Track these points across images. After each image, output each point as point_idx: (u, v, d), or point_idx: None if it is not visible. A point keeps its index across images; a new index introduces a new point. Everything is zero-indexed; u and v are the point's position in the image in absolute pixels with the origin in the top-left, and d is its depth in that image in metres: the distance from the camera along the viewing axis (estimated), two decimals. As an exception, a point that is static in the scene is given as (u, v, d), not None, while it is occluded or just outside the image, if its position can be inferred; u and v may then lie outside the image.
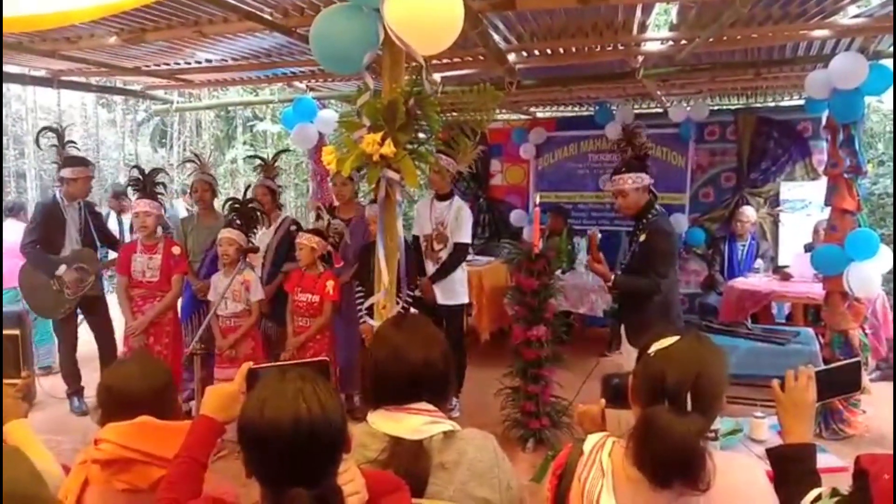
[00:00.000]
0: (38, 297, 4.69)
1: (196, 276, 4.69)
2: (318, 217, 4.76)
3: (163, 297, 4.34)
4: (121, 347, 4.72)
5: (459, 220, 4.65)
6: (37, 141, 5.15)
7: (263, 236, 4.82)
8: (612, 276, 3.74)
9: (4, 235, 5.18)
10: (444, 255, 4.65)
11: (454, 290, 4.68)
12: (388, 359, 1.55)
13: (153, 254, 4.34)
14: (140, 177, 4.42)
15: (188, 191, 5.23)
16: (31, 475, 1.08)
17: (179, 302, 4.65)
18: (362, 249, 4.49)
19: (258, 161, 5.46)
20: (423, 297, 4.58)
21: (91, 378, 4.71)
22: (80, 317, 4.94)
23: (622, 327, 3.98)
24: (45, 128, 5.05)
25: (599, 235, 4.25)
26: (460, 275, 4.73)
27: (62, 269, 4.60)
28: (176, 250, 4.41)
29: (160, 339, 4.34)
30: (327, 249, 4.38)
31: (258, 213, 4.40)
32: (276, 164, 5.36)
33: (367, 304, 2.65)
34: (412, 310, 4.20)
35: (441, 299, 4.61)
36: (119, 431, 1.63)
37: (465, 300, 4.89)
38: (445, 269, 4.62)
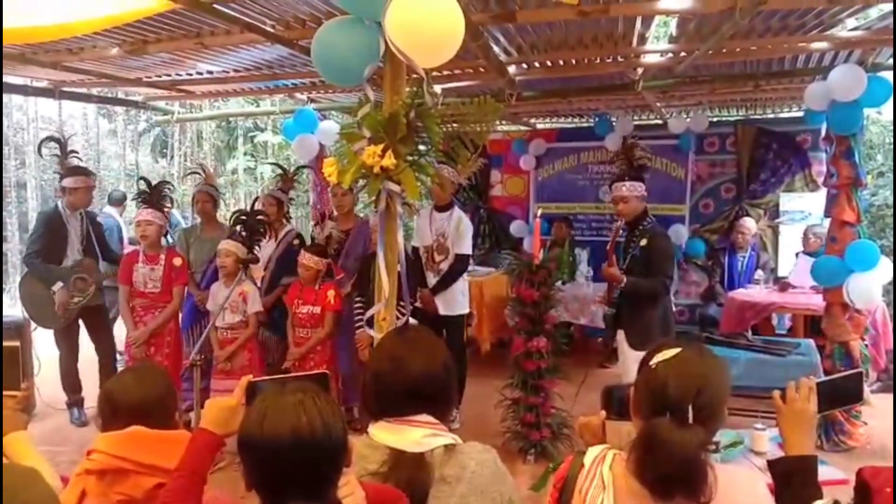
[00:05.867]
0: (37, 307, 4.67)
1: (198, 286, 4.68)
2: (317, 224, 4.75)
3: (164, 309, 4.32)
4: (122, 357, 4.71)
5: (460, 231, 4.65)
6: (38, 150, 5.15)
7: (266, 247, 4.80)
8: (625, 279, 3.78)
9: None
10: (444, 266, 4.65)
11: (456, 301, 4.68)
12: (388, 370, 1.54)
13: (155, 264, 4.32)
14: (146, 188, 4.41)
15: (191, 201, 5.22)
16: (48, 497, 1.08)
17: (180, 313, 4.64)
18: (363, 260, 4.49)
19: (279, 171, 5.45)
20: (425, 308, 4.57)
21: (91, 388, 4.70)
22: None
23: (620, 335, 3.99)
24: (47, 137, 5.04)
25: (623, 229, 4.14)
26: (461, 285, 4.73)
27: (58, 285, 4.58)
28: (177, 261, 4.39)
29: (161, 350, 4.31)
30: (328, 264, 4.38)
31: (264, 226, 4.40)
32: (295, 177, 5.37)
33: (367, 315, 2.64)
34: (412, 321, 4.19)
35: (443, 310, 4.60)
36: (111, 441, 1.64)
37: (466, 310, 4.88)
38: (447, 280, 4.61)
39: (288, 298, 4.38)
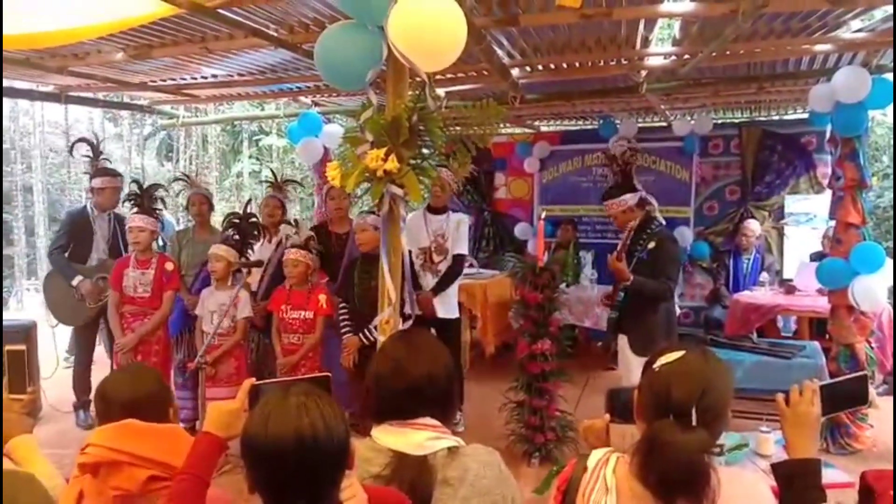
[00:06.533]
0: (59, 303, 4.73)
1: (188, 290, 4.63)
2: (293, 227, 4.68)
3: (153, 315, 4.29)
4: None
5: (461, 232, 4.65)
6: (70, 151, 5.22)
7: (264, 250, 4.78)
8: (631, 277, 3.77)
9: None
10: (443, 267, 4.61)
11: (451, 303, 4.65)
12: (390, 372, 1.55)
13: (146, 269, 4.30)
14: (138, 192, 4.40)
15: (186, 205, 5.22)
16: (45, 502, 1.09)
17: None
18: (348, 264, 4.44)
19: (268, 176, 5.46)
20: (422, 311, 4.50)
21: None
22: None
23: (623, 339, 3.98)
24: (79, 139, 5.12)
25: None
26: (455, 287, 4.71)
27: (78, 279, 4.62)
28: (169, 266, 4.37)
29: (148, 358, 4.24)
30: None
31: (258, 229, 4.37)
32: (286, 186, 5.36)
33: (375, 320, 2.64)
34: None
35: (441, 313, 4.55)
36: (104, 434, 1.66)
37: (458, 314, 4.84)
38: (446, 281, 4.58)
39: (273, 304, 4.23)
